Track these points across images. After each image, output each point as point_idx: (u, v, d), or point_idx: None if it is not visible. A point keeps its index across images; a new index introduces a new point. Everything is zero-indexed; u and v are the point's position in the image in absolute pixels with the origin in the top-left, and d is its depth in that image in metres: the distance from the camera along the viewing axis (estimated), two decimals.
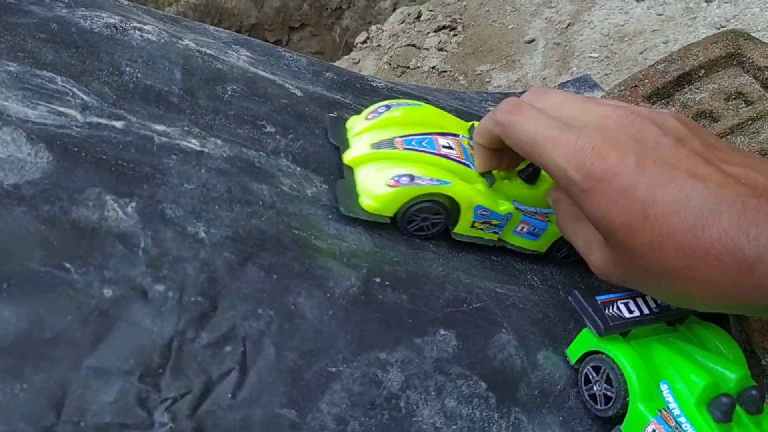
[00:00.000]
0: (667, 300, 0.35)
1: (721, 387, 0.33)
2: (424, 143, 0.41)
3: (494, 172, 0.40)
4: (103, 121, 0.34)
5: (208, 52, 0.44)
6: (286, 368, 0.31)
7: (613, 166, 0.31)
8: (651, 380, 0.34)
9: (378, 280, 0.35)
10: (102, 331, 0.29)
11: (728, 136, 0.46)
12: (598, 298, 0.36)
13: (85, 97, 0.35)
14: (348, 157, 0.41)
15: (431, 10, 0.88)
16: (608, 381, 0.34)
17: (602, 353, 0.35)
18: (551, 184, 0.41)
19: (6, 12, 0.38)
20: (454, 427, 0.32)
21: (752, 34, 0.60)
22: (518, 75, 0.74)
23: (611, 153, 0.31)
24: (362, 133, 0.42)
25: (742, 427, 0.33)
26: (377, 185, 0.38)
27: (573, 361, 0.37)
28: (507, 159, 0.40)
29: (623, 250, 0.32)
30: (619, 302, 0.36)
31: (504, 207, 0.40)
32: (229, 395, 0.29)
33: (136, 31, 0.42)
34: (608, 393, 0.34)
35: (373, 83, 0.53)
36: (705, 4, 0.67)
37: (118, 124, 0.35)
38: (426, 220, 0.39)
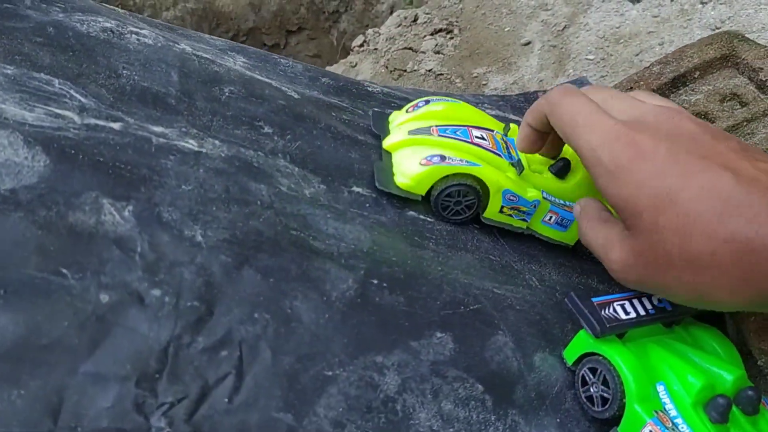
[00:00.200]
0: (689, 299, 0.34)
1: (717, 388, 0.34)
2: (458, 132, 0.44)
3: (525, 163, 0.44)
4: (101, 122, 0.34)
5: (205, 55, 0.44)
6: (282, 372, 0.31)
7: (645, 151, 0.32)
8: (647, 381, 0.34)
9: (375, 281, 0.35)
10: (98, 337, 0.29)
11: None
12: (594, 299, 0.36)
13: (82, 99, 0.35)
14: (387, 143, 0.45)
15: (428, 14, 0.88)
16: (605, 383, 0.34)
17: (599, 355, 0.35)
18: (580, 180, 0.43)
19: (3, 16, 0.38)
20: (451, 430, 0.32)
21: (747, 35, 0.60)
22: (515, 77, 0.74)
23: (644, 140, 0.32)
24: (402, 123, 0.46)
25: (738, 428, 0.33)
26: (411, 165, 0.42)
27: (570, 363, 0.37)
28: (549, 145, 0.43)
29: (648, 235, 0.32)
30: (615, 304, 0.36)
31: (532, 194, 0.42)
32: (226, 400, 0.29)
33: (133, 35, 0.42)
34: (605, 395, 0.34)
35: (369, 88, 0.53)
36: (700, 5, 0.67)
37: (116, 126, 0.35)
38: (458, 204, 0.42)
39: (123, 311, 0.29)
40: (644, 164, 0.32)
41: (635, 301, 0.37)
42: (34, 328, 0.27)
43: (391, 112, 0.48)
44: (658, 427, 0.32)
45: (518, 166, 0.43)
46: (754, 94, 0.48)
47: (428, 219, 0.42)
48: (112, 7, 0.45)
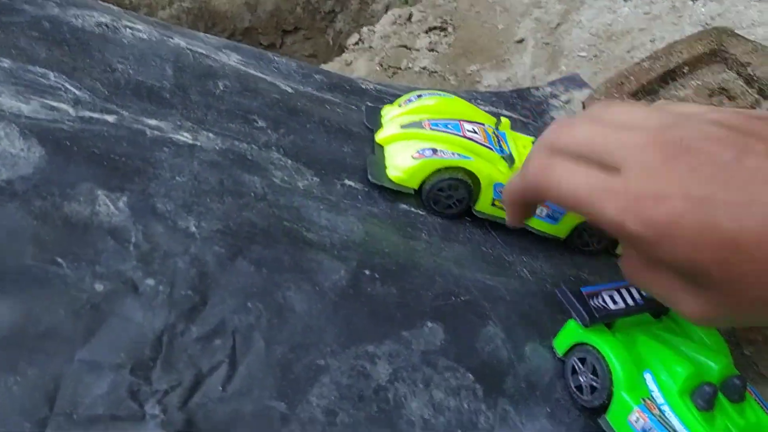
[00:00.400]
0: None
1: (704, 376, 0.34)
2: (450, 126, 0.44)
3: (516, 156, 0.44)
4: (96, 115, 0.35)
5: (199, 50, 0.44)
6: (275, 362, 0.31)
7: (678, 205, 0.27)
8: (635, 370, 0.34)
9: (367, 272, 0.36)
10: (94, 325, 0.29)
11: None
12: (583, 289, 0.36)
13: (77, 92, 0.35)
14: (380, 136, 0.45)
15: (422, 12, 0.88)
16: (594, 372, 0.35)
17: (588, 344, 0.35)
18: None
19: None
20: (442, 418, 0.33)
21: (736, 31, 0.60)
22: (508, 74, 0.74)
23: (670, 190, 0.27)
24: (395, 117, 0.46)
25: (724, 415, 0.33)
26: (404, 158, 0.42)
27: (560, 352, 0.37)
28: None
29: (722, 287, 0.28)
30: (604, 294, 0.37)
31: None
32: (220, 388, 0.30)
33: (128, 30, 0.42)
34: (594, 383, 0.35)
35: (362, 85, 0.53)
36: (691, 2, 0.68)
37: (110, 119, 0.35)
38: (450, 198, 0.42)
39: (118, 300, 0.30)
40: (685, 219, 0.27)
41: (624, 291, 0.37)
42: (31, 316, 0.28)
43: (383, 106, 0.48)
44: (645, 415, 0.33)
45: (509, 159, 0.44)
46: (742, 88, 0.49)
47: (420, 212, 0.42)
48: (107, 4, 0.45)
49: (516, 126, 0.58)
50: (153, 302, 0.30)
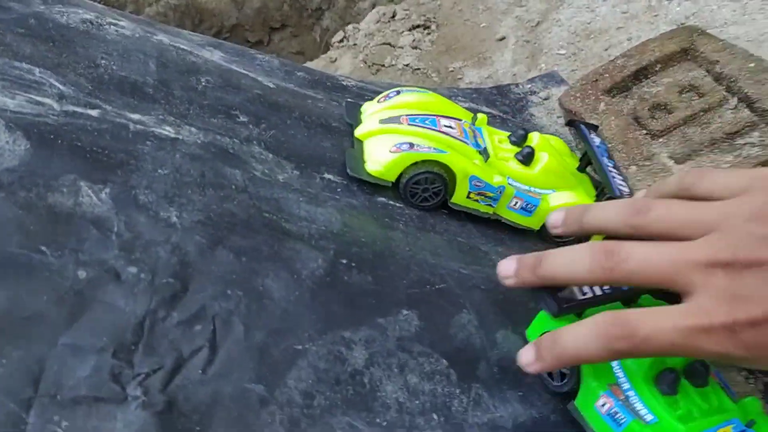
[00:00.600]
0: None
1: (667, 362, 0.35)
2: (427, 121, 0.46)
3: (491, 150, 0.46)
4: (79, 109, 0.36)
5: (182, 47, 0.45)
6: (254, 346, 0.32)
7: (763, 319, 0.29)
8: None
9: (344, 261, 0.37)
10: (77, 311, 0.30)
11: (681, 127, 0.49)
12: None
13: (61, 87, 0.36)
14: (359, 131, 0.46)
15: (406, 10, 0.89)
16: None
17: None
18: (544, 167, 0.45)
19: None
20: (417, 402, 0.34)
21: (710, 30, 0.62)
22: (489, 71, 0.76)
23: (755, 310, 0.29)
24: (374, 113, 0.47)
25: (687, 399, 0.34)
26: (381, 152, 0.43)
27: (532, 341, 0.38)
28: None
29: None
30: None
31: (498, 180, 0.44)
32: (200, 371, 0.31)
33: (111, 26, 0.43)
34: (564, 370, 0.36)
35: (343, 82, 0.55)
36: (666, 2, 0.69)
37: (94, 113, 0.36)
38: (426, 191, 0.44)
39: (100, 287, 0.31)
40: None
41: None
42: (16, 301, 0.29)
43: (363, 103, 0.50)
44: (611, 400, 0.34)
45: (485, 153, 0.45)
46: (711, 85, 0.50)
47: (398, 204, 0.44)
48: (92, 2, 0.46)
49: (496, 122, 0.60)
50: (135, 289, 0.31)
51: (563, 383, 0.36)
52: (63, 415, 0.28)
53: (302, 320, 0.34)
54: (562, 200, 0.45)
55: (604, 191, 0.46)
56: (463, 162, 0.43)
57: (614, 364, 0.35)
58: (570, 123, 0.53)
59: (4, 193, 0.31)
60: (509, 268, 0.35)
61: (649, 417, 0.33)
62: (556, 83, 0.67)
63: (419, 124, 0.45)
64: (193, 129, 0.39)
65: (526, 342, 0.39)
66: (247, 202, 0.37)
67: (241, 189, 0.37)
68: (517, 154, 0.46)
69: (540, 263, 0.34)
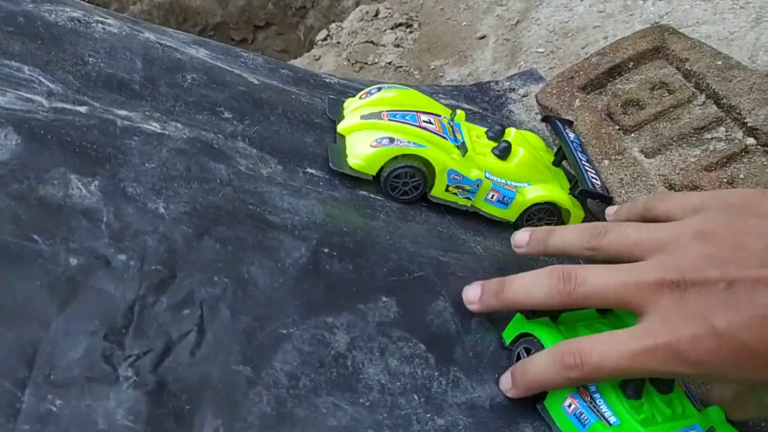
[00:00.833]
0: None
1: None
2: (407, 117, 0.47)
3: (469, 145, 0.47)
4: (68, 106, 0.37)
5: (168, 44, 0.47)
6: (240, 330, 0.34)
7: (712, 343, 0.30)
8: None
9: (326, 250, 0.38)
10: (68, 296, 0.31)
11: (652, 123, 0.51)
12: None
13: (50, 85, 0.37)
14: (341, 127, 0.48)
15: (389, 8, 0.91)
16: None
17: (533, 336, 0.38)
18: (521, 161, 0.47)
19: None
20: (398, 383, 0.35)
21: (682, 29, 0.64)
22: (470, 69, 0.77)
23: (700, 330, 0.31)
24: (356, 109, 0.49)
25: (652, 404, 0.36)
26: (363, 147, 0.45)
27: (507, 342, 0.39)
28: None
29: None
30: None
31: (475, 174, 0.46)
32: (189, 353, 0.32)
33: (99, 25, 0.44)
34: None
35: (326, 80, 0.56)
36: (641, 1, 0.71)
37: (82, 109, 0.37)
38: (406, 184, 0.45)
39: (91, 273, 0.32)
40: (725, 346, 0.30)
41: None
42: (10, 287, 0.30)
43: (345, 99, 0.51)
44: (577, 401, 0.35)
45: (462, 147, 0.47)
46: (681, 82, 0.52)
47: (378, 197, 0.45)
48: (79, 0, 0.47)
49: (476, 118, 0.61)
50: (124, 275, 0.32)
51: None
52: (57, 394, 0.29)
53: (286, 306, 0.35)
54: (538, 193, 0.47)
55: (577, 184, 0.47)
56: (441, 156, 0.45)
57: None
58: (546, 119, 0.54)
59: None
60: (475, 294, 0.38)
61: (612, 419, 0.34)
62: (534, 80, 0.69)
63: (399, 120, 0.47)
64: (179, 125, 0.40)
65: (499, 330, 0.40)
66: (232, 195, 0.38)
67: (225, 182, 0.39)
68: (494, 148, 0.48)
69: (502, 289, 0.37)
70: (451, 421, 0.35)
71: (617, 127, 0.52)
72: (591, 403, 0.35)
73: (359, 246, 0.40)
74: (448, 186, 0.46)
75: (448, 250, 0.43)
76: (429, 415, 0.35)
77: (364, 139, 0.45)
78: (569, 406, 0.35)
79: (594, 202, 0.50)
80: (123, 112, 0.39)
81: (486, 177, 0.46)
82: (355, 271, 0.38)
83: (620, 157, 0.50)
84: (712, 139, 0.49)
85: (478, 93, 0.68)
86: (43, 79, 0.38)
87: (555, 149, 0.52)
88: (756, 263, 0.31)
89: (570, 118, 0.53)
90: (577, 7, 0.77)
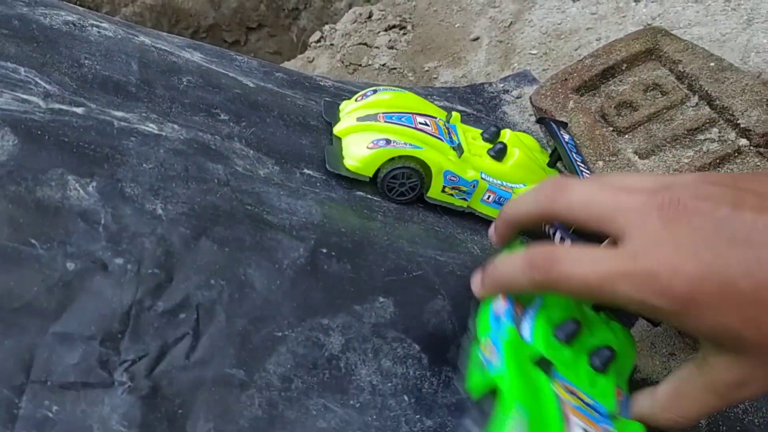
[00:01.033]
0: None
1: (596, 337, 0.35)
2: (403, 119, 0.47)
3: (465, 146, 0.47)
4: (64, 107, 0.37)
5: (163, 48, 0.47)
6: (235, 333, 0.34)
7: (695, 273, 0.27)
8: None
9: (324, 250, 0.38)
10: (66, 301, 0.31)
11: (646, 124, 0.51)
12: None
13: (47, 86, 0.37)
14: (337, 129, 0.48)
15: (382, 10, 0.91)
16: None
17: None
18: (516, 162, 0.47)
19: None
20: (389, 384, 0.35)
21: (675, 30, 0.64)
22: (463, 71, 0.78)
23: (684, 260, 0.27)
24: (352, 111, 0.49)
25: (567, 357, 0.33)
26: (359, 148, 0.45)
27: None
28: None
29: (758, 348, 0.28)
30: None
31: (471, 175, 0.46)
32: (184, 357, 0.32)
33: (94, 28, 0.44)
34: None
35: (321, 82, 0.56)
36: (633, 3, 0.72)
37: (79, 110, 0.37)
38: (403, 185, 0.46)
39: (88, 278, 0.32)
40: (706, 286, 0.27)
41: None
42: (7, 292, 0.30)
43: (341, 102, 0.51)
44: (508, 305, 0.33)
45: (458, 149, 0.47)
46: (674, 84, 0.53)
47: (375, 198, 0.45)
48: (72, 5, 0.47)
49: (470, 120, 0.61)
50: (121, 279, 0.32)
51: None
52: (53, 400, 0.29)
53: (282, 308, 0.35)
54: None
55: None
56: (437, 157, 0.45)
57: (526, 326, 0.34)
58: (540, 120, 0.55)
59: None
60: (476, 282, 0.36)
61: (526, 334, 0.33)
62: (528, 82, 0.69)
63: (395, 122, 0.47)
64: (175, 126, 0.40)
65: None
66: (230, 195, 0.38)
67: (223, 183, 0.39)
68: (490, 150, 0.48)
69: (486, 273, 0.35)
70: (440, 422, 0.35)
71: (611, 128, 0.52)
72: (518, 315, 0.33)
73: (357, 246, 0.40)
74: (444, 187, 0.46)
75: (446, 250, 0.43)
76: (418, 416, 0.35)
77: (361, 140, 0.45)
78: (497, 305, 0.33)
79: None
80: (120, 114, 0.39)
81: (482, 178, 0.46)
82: (353, 270, 0.38)
83: (614, 158, 0.50)
84: (705, 140, 0.49)
85: (472, 94, 0.68)
86: (39, 81, 0.38)
87: (550, 150, 0.52)
88: (754, 205, 0.27)
89: (564, 119, 0.54)
90: (569, 9, 0.77)
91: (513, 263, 0.32)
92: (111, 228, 0.33)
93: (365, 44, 0.87)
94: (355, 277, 0.38)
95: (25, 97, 0.36)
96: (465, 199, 0.47)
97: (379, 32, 0.88)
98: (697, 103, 0.51)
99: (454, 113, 0.51)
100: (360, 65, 0.85)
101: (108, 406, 0.30)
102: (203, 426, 0.31)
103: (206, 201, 0.37)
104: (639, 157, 0.50)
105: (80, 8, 0.47)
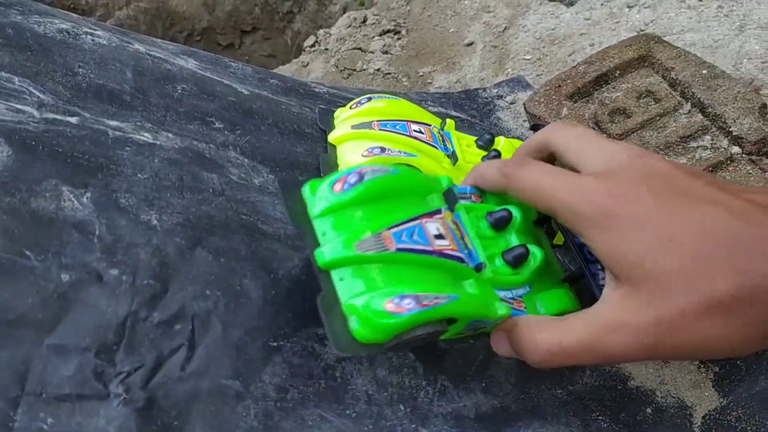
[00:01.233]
0: (717, 351, 0.29)
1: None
2: (397, 126, 0.47)
3: (459, 154, 0.47)
4: (59, 117, 0.37)
5: (158, 55, 0.47)
6: (231, 344, 0.34)
7: (627, 198, 0.30)
8: None
9: None
10: (60, 312, 0.31)
11: (639, 131, 0.51)
12: None
13: (41, 96, 0.37)
14: (332, 136, 0.48)
15: (376, 15, 0.91)
16: None
17: None
18: None
19: None
20: (385, 393, 0.36)
21: (667, 36, 0.65)
22: (458, 76, 0.78)
23: (623, 187, 0.30)
24: (346, 119, 0.49)
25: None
26: (354, 157, 0.45)
27: None
28: None
29: (654, 284, 0.29)
30: None
31: None
32: (179, 369, 0.32)
33: (88, 36, 0.44)
34: None
35: (315, 89, 0.56)
36: (627, 9, 0.72)
37: (73, 120, 0.37)
38: None
39: (83, 289, 0.32)
40: (631, 208, 0.29)
41: None
42: (1, 304, 0.30)
43: (335, 109, 0.51)
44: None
45: (453, 157, 0.47)
46: (667, 91, 0.53)
47: None
48: (67, 12, 0.47)
49: (464, 126, 0.62)
50: (116, 291, 0.32)
51: None
52: (48, 412, 0.29)
53: (278, 318, 0.35)
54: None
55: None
56: (432, 165, 0.45)
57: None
58: (535, 127, 0.55)
59: None
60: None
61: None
62: (522, 87, 0.69)
63: (390, 129, 0.47)
64: (170, 135, 0.40)
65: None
66: (225, 204, 0.38)
67: (218, 192, 0.39)
68: (484, 157, 0.48)
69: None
70: (436, 431, 0.35)
71: (605, 135, 0.53)
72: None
73: None
74: None
75: None
76: (414, 425, 0.35)
77: (356, 148, 0.46)
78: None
79: None
80: (114, 123, 0.39)
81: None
82: None
83: None
84: (698, 147, 0.49)
85: (467, 100, 0.68)
86: (33, 90, 0.38)
87: None
88: (687, 171, 0.31)
89: None
90: (563, 15, 0.78)
91: (496, 164, 0.37)
92: (106, 239, 0.33)
93: (360, 49, 0.87)
94: None
95: (19, 107, 0.36)
96: None
97: (373, 37, 0.88)
98: (689, 111, 0.51)
99: (448, 120, 0.51)
100: (354, 70, 0.85)
101: (103, 418, 0.30)
102: None
103: (201, 211, 0.37)
104: None
105: (74, 15, 0.47)
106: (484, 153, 0.49)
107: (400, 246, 0.32)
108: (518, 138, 0.57)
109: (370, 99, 0.50)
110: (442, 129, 0.50)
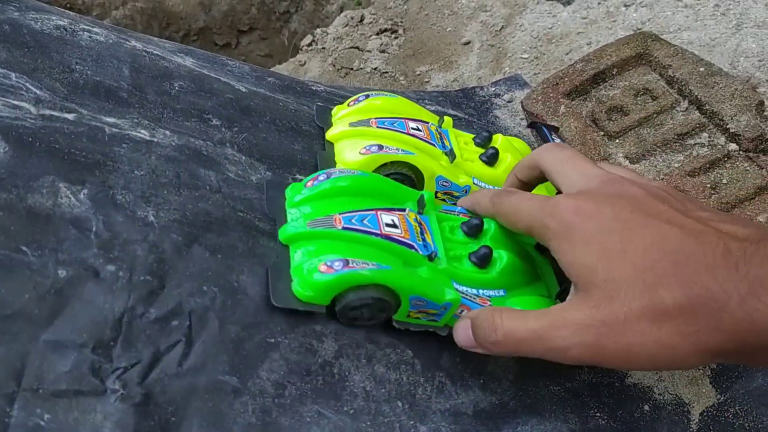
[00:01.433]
0: (654, 359, 0.31)
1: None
2: (395, 124, 0.47)
3: (457, 152, 0.48)
4: (56, 113, 0.37)
5: (155, 52, 0.46)
6: (228, 340, 0.34)
7: (590, 214, 0.33)
8: None
9: None
10: (57, 308, 0.31)
11: (636, 129, 0.51)
12: None
13: (38, 92, 0.37)
14: (330, 134, 0.48)
15: (374, 14, 0.91)
16: None
17: None
18: (508, 167, 0.47)
19: None
20: (383, 390, 0.35)
21: (664, 35, 0.65)
22: (455, 75, 0.78)
23: (589, 204, 0.33)
24: (344, 116, 0.49)
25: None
26: (352, 154, 0.45)
27: None
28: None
29: (603, 288, 0.31)
30: None
31: (463, 180, 0.46)
32: (176, 365, 0.32)
33: (85, 33, 0.44)
34: None
35: (313, 87, 0.56)
36: (624, 8, 0.72)
37: (70, 116, 0.37)
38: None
39: (80, 285, 0.32)
40: (592, 223, 0.32)
41: None
42: None
43: (334, 107, 0.51)
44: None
45: (450, 154, 0.47)
46: (664, 88, 0.53)
47: None
48: (63, 10, 0.47)
49: (462, 124, 0.61)
50: (113, 286, 0.32)
51: None
52: (45, 408, 0.29)
53: (275, 314, 0.35)
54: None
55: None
56: (430, 163, 0.45)
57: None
58: (532, 125, 0.55)
59: None
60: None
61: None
62: (519, 86, 0.69)
63: (388, 127, 0.47)
64: (167, 132, 0.40)
65: None
66: (222, 201, 0.38)
67: (215, 189, 0.39)
68: (482, 155, 0.48)
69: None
70: (434, 428, 0.35)
71: (602, 133, 0.53)
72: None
73: None
74: (436, 192, 0.46)
75: None
76: (412, 422, 0.35)
77: (354, 146, 0.46)
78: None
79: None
80: (111, 120, 0.39)
81: (474, 183, 0.46)
82: None
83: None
84: (695, 144, 0.49)
85: (464, 99, 0.68)
86: (30, 86, 0.38)
87: None
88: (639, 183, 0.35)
89: (555, 124, 0.54)
90: (560, 14, 0.78)
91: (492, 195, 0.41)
92: (103, 235, 0.33)
93: (357, 48, 0.87)
94: None
95: (15, 103, 0.36)
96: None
97: (370, 36, 0.88)
98: (687, 108, 0.52)
99: (446, 118, 0.51)
100: (352, 69, 0.85)
101: (100, 414, 0.30)
102: None
103: (198, 208, 0.37)
104: (629, 162, 0.50)
105: (71, 13, 0.47)
106: (482, 150, 0.49)
107: (347, 225, 0.37)
108: (516, 136, 0.57)
109: (367, 96, 0.50)
110: (440, 126, 0.50)
